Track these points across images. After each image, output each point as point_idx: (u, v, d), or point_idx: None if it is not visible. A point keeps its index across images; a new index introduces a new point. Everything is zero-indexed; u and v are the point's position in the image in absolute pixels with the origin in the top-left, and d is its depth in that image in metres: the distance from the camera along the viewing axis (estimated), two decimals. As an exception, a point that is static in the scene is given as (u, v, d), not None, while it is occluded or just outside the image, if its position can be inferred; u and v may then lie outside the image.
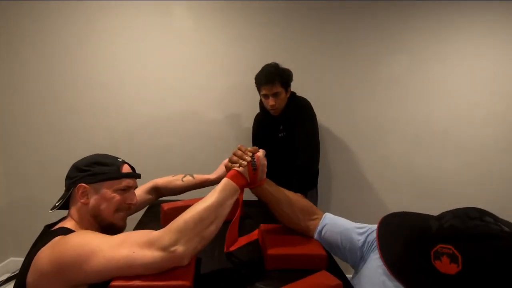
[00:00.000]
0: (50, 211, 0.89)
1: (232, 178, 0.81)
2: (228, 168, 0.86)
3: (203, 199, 0.76)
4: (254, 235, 1.05)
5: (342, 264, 0.92)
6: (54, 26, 2.02)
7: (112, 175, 0.88)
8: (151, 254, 0.66)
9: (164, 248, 0.66)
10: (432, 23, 2.10)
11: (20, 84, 2.07)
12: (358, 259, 0.82)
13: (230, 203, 0.78)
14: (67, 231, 0.78)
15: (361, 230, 0.84)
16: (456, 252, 0.50)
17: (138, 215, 1.33)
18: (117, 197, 0.88)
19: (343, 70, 2.16)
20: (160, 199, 1.39)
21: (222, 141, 2.20)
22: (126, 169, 0.93)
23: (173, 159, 2.20)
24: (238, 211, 0.91)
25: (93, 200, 0.86)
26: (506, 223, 0.52)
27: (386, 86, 2.18)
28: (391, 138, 2.23)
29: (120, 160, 0.95)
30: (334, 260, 0.94)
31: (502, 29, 2.10)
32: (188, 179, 1.33)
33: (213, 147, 2.19)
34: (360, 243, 0.81)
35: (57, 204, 0.89)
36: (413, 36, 2.12)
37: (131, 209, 0.95)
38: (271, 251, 0.85)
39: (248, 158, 0.84)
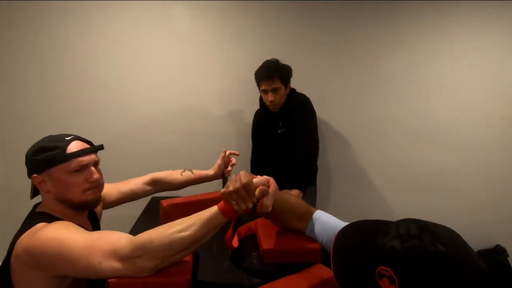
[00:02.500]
0: (30, 199, 0.90)
1: (225, 212, 0.71)
2: (224, 196, 0.71)
3: (185, 221, 0.71)
4: (252, 225, 1.05)
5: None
6: (54, 25, 2.02)
7: (57, 159, 0.82)
8: (114, 265, 0.67)
9: (125, 259, 0.67)
10: (432, 21, 2.09)
11: (19, 82, 2.07)
12: None
13: (212, 234, 0.72)
14: (46, 218, 0.81)
15: None
16: (393, 275, 0.53)
17: (138, 211, 1.35)
18: (74, 179, 0.83)
19: (343, 67, 2.16)
20: (160, 195, 1.40)
21: (222, 138, 2.20)
22: (75, 146, 0.85)
23: (173, 156, 2.21)
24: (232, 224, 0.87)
25: (52, 187, 0.84)
26: (443, 240, 0.55)
27: (386, 82, 2.18)
28: (390, 134, 2.24)
29: (68, 138, 0.87)
30: (330, 254, 0.95)
31: (502, 27, 2.09)
32: (187, 173, 1.33)
33: (213, 144, 2.19)
34: None
35: (30, 194, 0.90)
36: (413, 33, 2.11)
37: (100, 184, 0.91)
38: (267, 246, 0.86)
39: (250, 205, 0.71)
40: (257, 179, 0.73)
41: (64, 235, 0.72)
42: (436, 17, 2.08)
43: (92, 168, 0.88)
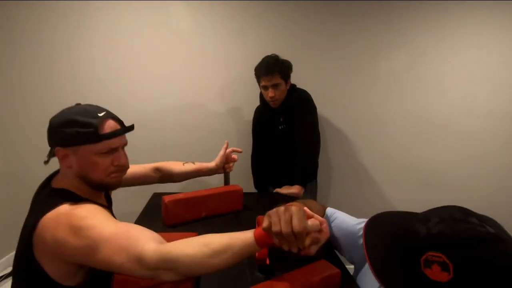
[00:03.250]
0: (44, 164, 0.82)
1: (261, 244, 0.62)
2: (264, 230, 0.60)
3: (218, 246, 0.63)
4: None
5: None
6: (53, 21, 2.00)
7: (88, 138, 0.75)
8: (136, 270, 0.63)
9: (149, 269, 0.63)
10: (433, 15, 2.08)
11: (17, 79, 2.06)
12: (360, 260, 0.82)
13: (240, 261, 0.64)
14: (68, 197, 0.76)
15: (359, 233, 0.83)
16: (446, 260, 0.50)
17: (140, 207, 1.35)
18: (101, 161, 0.78)
19: (344, 63, 2.15)
20: (161, 191, 1.41)
21: (223, 134, 2.20)
22: (109, 126, 0.79)
23: (173, 153, 2.20)
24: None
25: (75, 164, 0.78)
26: (490, 223, 0.52)
27: (386, 79, 2.17)
28: (391, 130, 2.24)
29: (102, 114, 0.80)
30: (333, 250, 0.96)
31: (501, 22, 2.08)
32: (189, 164, 1.34)
33: (213, 141, 2.19)
34: (359, 246, 0.81)
35: (46, 159, 0.82)
36: (414, 29, 2.10)
37: (125, 169, 0.86)
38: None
39: (295, 250, 0.61)
40: (312, 222, 0.62)
41: (90, 225, 0.67)
42: (437, 13, 2.07)
43: (121, 151, 0.84)
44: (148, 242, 0.64)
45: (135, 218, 1.21)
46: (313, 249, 0.63)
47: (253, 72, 1.77)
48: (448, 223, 0.53)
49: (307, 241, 0.59)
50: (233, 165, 1.41)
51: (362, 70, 2.16)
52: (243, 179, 2.04)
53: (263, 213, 1.09)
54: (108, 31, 2.04)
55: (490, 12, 2.06)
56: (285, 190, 1.60)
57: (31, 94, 2.08)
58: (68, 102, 2.10)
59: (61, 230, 0.67)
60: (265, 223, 0.59)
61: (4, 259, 2.23)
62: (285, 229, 0.57)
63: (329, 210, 0.92)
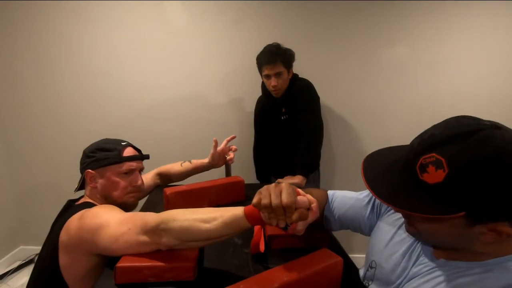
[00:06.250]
0: (74, 192, 1.02)
1: (251, 220, 0.64)
2: (254, 206, 0.62)
3: (211, 212, 0.69)
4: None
5: (343, 242, 0.93)
6: (51, 17, 1.99)
7: (113, 160, 0.95)
8: (140, 235, 0.71)
9: (151, 232, 0.70)
10: (433, 5, 2.03)
11: (17, 74, 2.06)
12: (370, 224, 0.83)
13: (232, 235, 0.70)
14: (90, 205, 0.90)
15: (363, 202, 0.84)
16: (438, 156, 0.48)
17: (142, 200, 1.35)
18: (121, 181, 0.96)
19: (346, 52, 2.11)
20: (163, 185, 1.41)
21: (224, 126, 2.19)
22: (128, 152, 0.99)
23: (174, 145, 2.20)
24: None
25: (99, 184, 0.95)
26: (485, 120, 0.51)
27: (389, 68, 2.13)
28: (394, 120, 2.21)
29: (124, 143, 1.00)
30: (335, 239, 0.95)
31: (504, 10, 2.02)
32: (186, 164, 1.42)
33: (214, 132, 2.18)
34: (367, 214, 0.82)
35: (76, 187, 1.01)
36: (417, 17, 2.05)
37: (141, 190, 1.03)
38: (272, 232, 0.85)
39: (283, 225, 0.63)
40: (301, 198, 0.63)
41: (107, 209, 0.82)
42: (438, 2, 2.02)
43: (138, 173, 1.01)
44: (150, 214, 0.74)
45: (137, 211, 1.21)
46: (300, 226, 0.65)
47: (253, 63, 1.75)
48: (439, 126, 0.53)
49: (295, 215, 0.61)
50: (233, 156, 1.40)
51: (365, 59, 2.12)
52: (245, 170, 2.04)
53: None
54: (106, 22, 2.03)
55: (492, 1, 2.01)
56: (287, 180, 1.59)
57: (31, 88, 2.08)
58: (66, 96, 2.10)
59: (84, 217, 0.81)
60: (255, 199, 0.61)
61: (8, 255, 2.25)
62: (274, 201, 0.58)
63: (329, 192, 0.93)
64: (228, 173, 1.44)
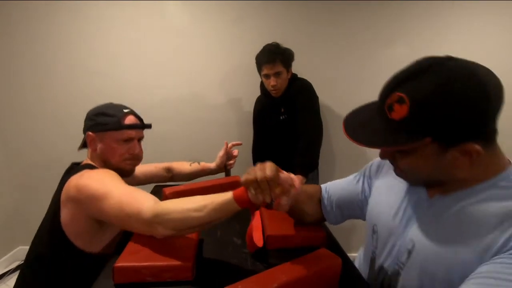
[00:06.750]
0: (78, 150, 1.04)
1: (239, 201, 0.68)
2: (243, 183, 0.68)
3: (201, 200, 0.72)
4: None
5: (341, 242, 0.93)
6: (50, 16, 1.98)
7: (112, 126, 0.95)
8: (136, 224, 0.75)
9: (146, 223, 0.73)
10: (432, 5, 2.03)
11: (15, 73, 2.05)
12: (366, 200, 0.85)
13: (224, 218, 0.72)
14: (92, 167, 0.93)
15: (355, 181, 0.88)
16: (400, 94, 0.52)
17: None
18: (118, 147, 0.96)
19: (346, 52, 2.11)
20: (162, 184, 1.41)
21: (223, 125, 2.19)
22: (129, 120, 0.98)
23: (173, 145, 2.20)
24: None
25: (99, 148, 0.96)
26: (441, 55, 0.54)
27: (389, 68, 2.09)
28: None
29: (126, 110, 0.99)
30: (334, 238, 0.95)
31: (503, 9, 2.02)
32: (194, 165, 1.41)
33: (213, 132, 2.18)
34: (360, 188, 0.85)
35: (80, 146, 1.04)
36: (415, 17, 2.06)
37: (138, 158, 1.02)
38: (270, 232, 0.85)
39: (268, 199, 0.67)
40: (284, 175, 0.68)
41: (108, 179, 0.83)
42: (437, 2, 2.02)
43: (136, 142, 1.00)
44: (147, 201, 0.75)
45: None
46: (284, 201, 0.70)
47: (252, 62, 1.75)
48: (401, 69, 0.56)
49: (278, 189, 0.66)
50: (234, 161, 1.41)
51: (365, 59, 2.12)
52: (244, 170, 2.03)
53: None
54: (105, 23, 2.02)
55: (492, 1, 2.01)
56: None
57: (29, 88, 2.07)
58: (66, 97, 2.10)
59: (83, 180, 0.83)
60: (243, 179, 0.67)
61: (7, 256, 2.25)
62: (259, 174, 0.64)
63: (322, 185, 0.95)
64: (227, 173, 1.44)
